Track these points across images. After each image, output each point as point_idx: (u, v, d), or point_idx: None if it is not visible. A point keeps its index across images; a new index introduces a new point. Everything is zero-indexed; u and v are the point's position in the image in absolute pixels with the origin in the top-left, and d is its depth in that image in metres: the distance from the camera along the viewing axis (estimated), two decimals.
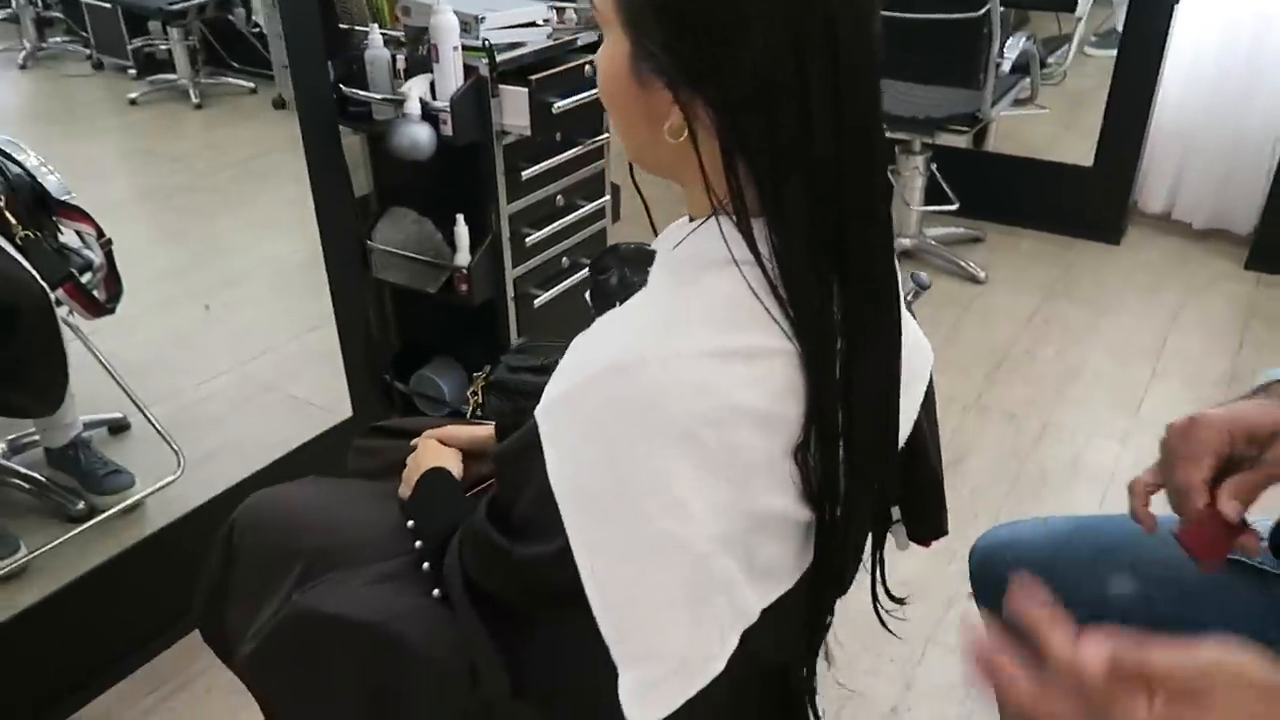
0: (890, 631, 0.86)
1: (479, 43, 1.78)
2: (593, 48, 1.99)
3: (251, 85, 3.02)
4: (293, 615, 0.92)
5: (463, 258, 1.91)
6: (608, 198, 2.17)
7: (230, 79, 3.05)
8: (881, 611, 0.85)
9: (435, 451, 1.07)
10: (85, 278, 1.89)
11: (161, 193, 3.25)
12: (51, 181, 1.90)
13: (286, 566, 1.02)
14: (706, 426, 0.65)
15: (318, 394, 2.29)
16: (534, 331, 2.08)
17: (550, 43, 1.89)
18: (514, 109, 1.78)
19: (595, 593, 0.68)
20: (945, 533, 0.95)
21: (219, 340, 2.45)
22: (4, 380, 1.75)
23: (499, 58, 1.75)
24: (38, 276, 1.77)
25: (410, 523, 0.98)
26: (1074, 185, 3.20)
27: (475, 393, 1.39)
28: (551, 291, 2.06)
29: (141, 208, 3.02)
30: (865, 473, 0.73)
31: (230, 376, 2.35)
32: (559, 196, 2.05)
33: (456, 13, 1.70)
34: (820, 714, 0.85)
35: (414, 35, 1.78)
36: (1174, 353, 2.63)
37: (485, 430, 1.12)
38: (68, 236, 1.92)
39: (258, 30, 2.65)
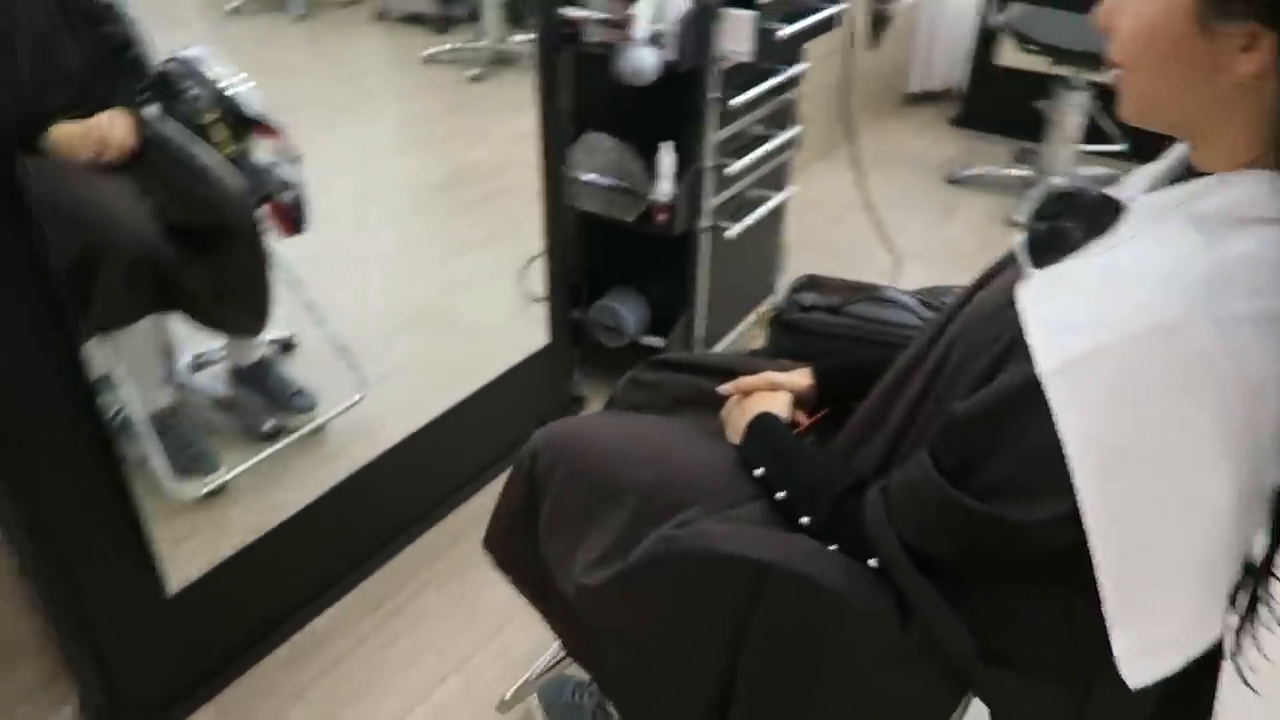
0: None
1: None
2: None
3: None
4: (674, 552, 0.91)
5: (665, 187, 1.87)
6: (800, 128, 2.11)
7: None
8: None
9: (764, 399, 1.06)
10: (285, 195, 1.89)
11: (278, 109, 3.23)
12: (250, 96, 1.87)
13: (614, 500, 1.02)
14: (1248, 396, 0.64)
15: (486, 319, 2.30)
16: (724, 263, 2.05)
17: None
18: (737, 34, 1.72)
19: (1107, 550, 0.67)
20: None
21: (370, 262, 2.44)
22: (219, 298, 1.76)
23: None
24: (246, 195, 1.77)
25: (759, 470, 0.98)
26: None
27: (756, 329, 1.36)
28: (742, 223, 2.02)
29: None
30: None
31: (388, 298, 2.35)
32: (755, 126, 1.99)
33: None
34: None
35: None
36: None
37: (803, 378, 1.10)
38: (262, 152, 1.91)
39: None
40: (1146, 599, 0.69)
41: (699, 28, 1.70)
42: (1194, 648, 0.70)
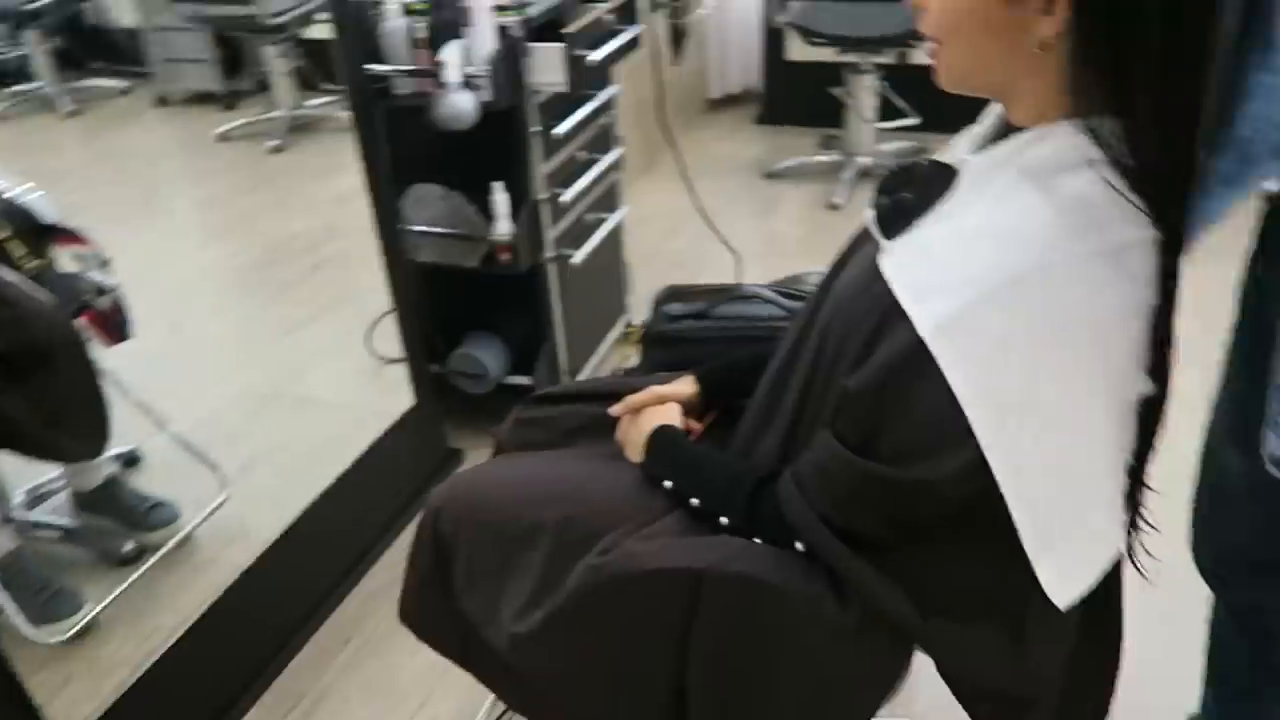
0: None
1: (505, 1, 1.72)
2: None
3: (124, 85, 2.81)
4: (605, 579, 0.91)
5: (503, 227, 1.86)
6: (622, 150, 2.15)
7: (99, 81, 2.82)
8: None
9: (657, 413, 1.07)
10: (101, 302, 1.76)
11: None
12: (42, 204, 1.75)
13: (529, 543, 1.00)
14: (1109, 324, 0.70)
15: (341, 390, 2.21)
16: (574, 291, 2.06)
17: None
18: (548, 66, 1.74)
19: (1014, 489, 0.72)
20: None
21: (205, 356, 2.31)
22: (48, 424, 1.62)
23: (531, 13, 1.71)
24: (59, 310, 1.65)
25: (668, 483, 0.99)
26: None
27: (626, 352, 1.37)
28: (585, 249, 2.04)
29: None
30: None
31: (232, 388, 2.23)
32: (580, 153, 2.02)
33: None
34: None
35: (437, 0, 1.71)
36: None
37: (688, 385, 1.12)
38: (67, 261, 1.78)
39: (111, 27, 2.47)
40: (1057, 525, 0.74)
41: (510, 65, 1.71)
42: (1106, 559, 0.76)
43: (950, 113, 0.90)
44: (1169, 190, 0.71)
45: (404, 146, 1.92)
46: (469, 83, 1.67)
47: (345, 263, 2.46)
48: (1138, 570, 0.86)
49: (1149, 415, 0.79)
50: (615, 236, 2.28)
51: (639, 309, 2.14)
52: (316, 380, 2.24)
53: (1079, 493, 0.74)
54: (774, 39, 3.53)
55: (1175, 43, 0.67)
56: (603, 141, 2.12)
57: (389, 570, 1.82)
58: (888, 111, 3.18)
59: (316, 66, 2.59)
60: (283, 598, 1.67)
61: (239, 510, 1.81)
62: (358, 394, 2.19)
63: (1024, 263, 0.69)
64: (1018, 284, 0.69)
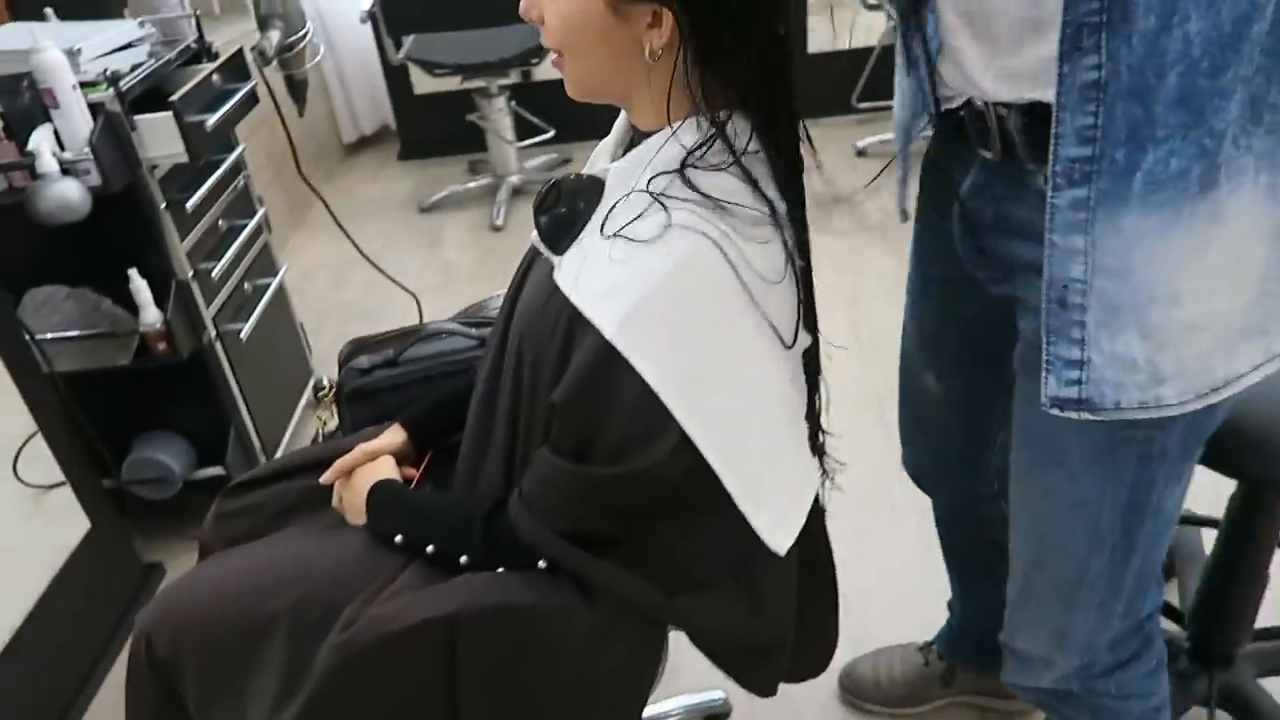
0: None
1: (90, 76, 1.57)
2: (195, 58, 1.84)
3: None
4: (356, 651, 0.87)
5: (152, 315, 1.70)
6: (264, 209, 2.05)
7: None
8: None
9: (370, 470, 1.04)
10: None
11: None
12: None
13: (264, 638, 0.95)
14: (760, 290, 0.78)
15: None
16: (250, 365, 1.93)
17: (155, 62, 1.72)
18: (161, 138, 1.61)
19: (718, 457, 0.79)
20: None
21: None
22: None
23: (123, 86, 1.57)
24: None
25: (398, 537, 0.97)
26: None
27: (322, 414, 1.31)
28: (250, 320, 1.92)
29: None
30: None
31: None
32: (220, 221, 1.89)
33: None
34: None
35: (6, 85, 1.52)
36: None
37: (396, 435, 1.10)
38: None
39: None
40: (762, 480, 0.82)
41: (114, 142, 1.57)
42: (808, 498, 0.86)
43: (582, 121, 0.95)
44: (788, 169, 0.81)
45: (7, 248, 1.70)
46: (69, 169, 1.51)
47: None
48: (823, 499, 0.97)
49: (811, 364, 0.90)
50: (281, 299, 2.17)
51: (326, 367, 2.05)
52: None
53: (773, 446, 0.83)
54: (398, 75, 3.51)
55: (763, 35, 0.77)
56: (242, 205, 2.00)
57: (101, 714, 1.61)
58: (525, 129, 3.29)
59: None
60: None
61: None
62: (17, 533, 1.91)
63: (677, 251, 0.76)
64: (677, 271, 0.76)
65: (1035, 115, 0.76)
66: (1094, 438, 0.85)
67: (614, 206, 0.82)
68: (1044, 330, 0.79)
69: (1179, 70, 0.66)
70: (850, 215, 2.96)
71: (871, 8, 2.99)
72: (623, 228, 0.79)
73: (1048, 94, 0.72)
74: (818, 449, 0.95)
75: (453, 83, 3.13)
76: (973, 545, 1.35)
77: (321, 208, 2.02)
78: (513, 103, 3.19)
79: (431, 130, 3.66)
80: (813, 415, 0.93)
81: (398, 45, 3.07)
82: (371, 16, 2.99)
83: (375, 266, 2.10)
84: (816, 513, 0.99)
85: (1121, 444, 0.85)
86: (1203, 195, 0.70)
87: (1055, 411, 0.81)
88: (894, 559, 1.74)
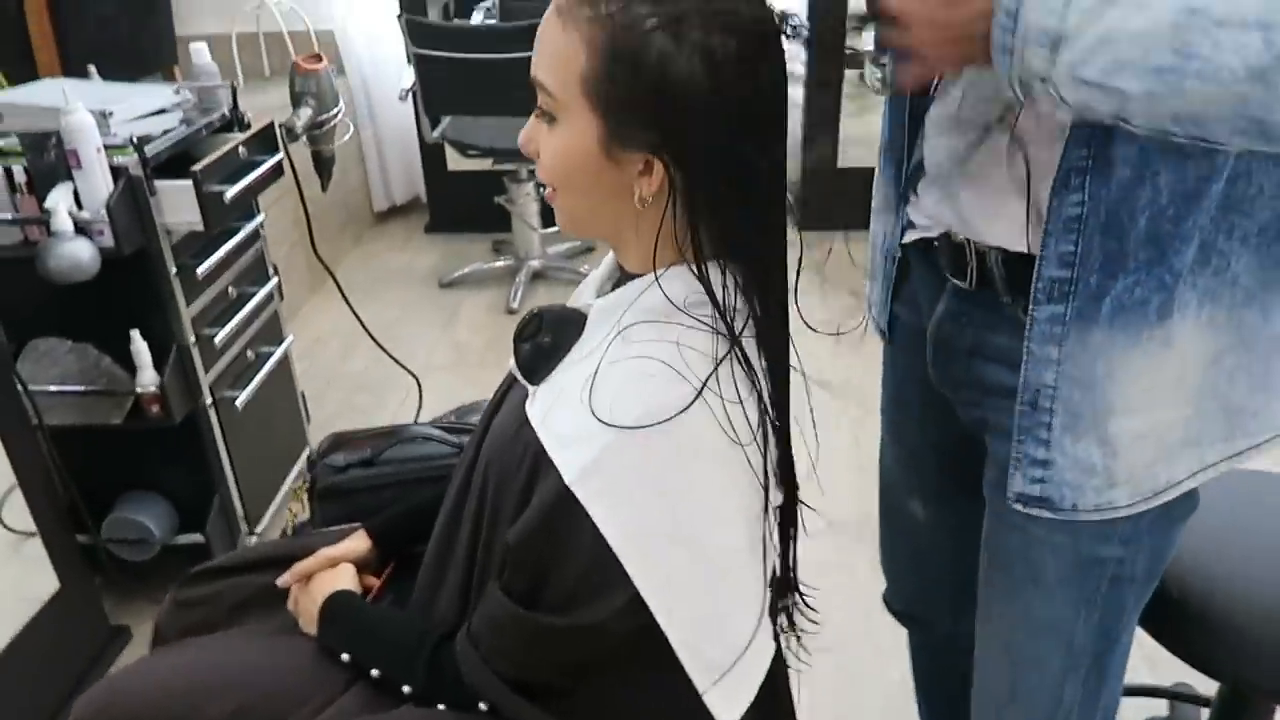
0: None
1: (118, 139, 1.60)
2: (227, 127, 1.87)
3: None
4: None
5: (149, 377, 1.70)
6: (276, 278, 2.05)
7: None
8: None
9: (329, 576, 1.01)
10: None
11: None
12: None
13: None
14: (730, 446, 0.76)
15: None
16: (243, 434, 1.91)
17: (186, 129, 1.75)
18: (179, 205, 1.62)
19: (671, 623, 0.76)
20: None
21: None
22: None
23: (149, 151, 1.59)
24: None
25: (345, 655, 0.93)
26: None
27: (295, 506, 1.28)
28: (249, 388, 1.91)
29: None
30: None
31: None
32: (230, 288, 1.90)
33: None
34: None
35: (34, 142, 1.55)
36: None
37: (360, 541, 1.07)
38: None
39: None
40: (713, 647, 0.78)
41: (132, 207, 1.58)
42: (762, 670, 0.81)
43: None
44: (770, 325, 0.79)
45: (16, 298, 1.71)
46: (84, 229, 1.52)
47: None
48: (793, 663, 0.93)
49: (785, 520, 0.86)
50: (284, 369, 2.16)
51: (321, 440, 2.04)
52: None
53: (729, 613, 0.79)
54: (434, 151, 3.58)
55: (757, 192, 0.76)
56: (256, 272, 2.01)
57: None
58: (551, 215, 3.30)
59: None
60: None
61: None
62: None
63: (650, 401, 0.73)
64: (645, 420, 0.73)
65: (1019, 255, 0.82)
66: (1065, 557, 0.89)
67: (593, 346, 0.80)
68: (1015, 430, 0.84)
69: (1148, 215, 0.74)
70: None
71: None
72: (598, 370, 0.77)
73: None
74: (785, 609, 0.91)
75: (485, 163, 3.17)
76: (956, 685, 1.29)
77: (345, 273, 2.02)
78: (541, 189, 3.22)
79: (460, 206, 3.70)
80: (783, 576, 0.89)
81: (434, 124, 3.12)
82: (411, 94, 3.05)
83: (381, 347, 2.09)
84: (780, 673, 0.94)
85: (1093, 564, 0.89)
86: (1159, 323, 0.78)
87: (1019, 507, 0.86)
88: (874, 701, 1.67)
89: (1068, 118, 0.71)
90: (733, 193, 0.75)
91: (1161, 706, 1.63)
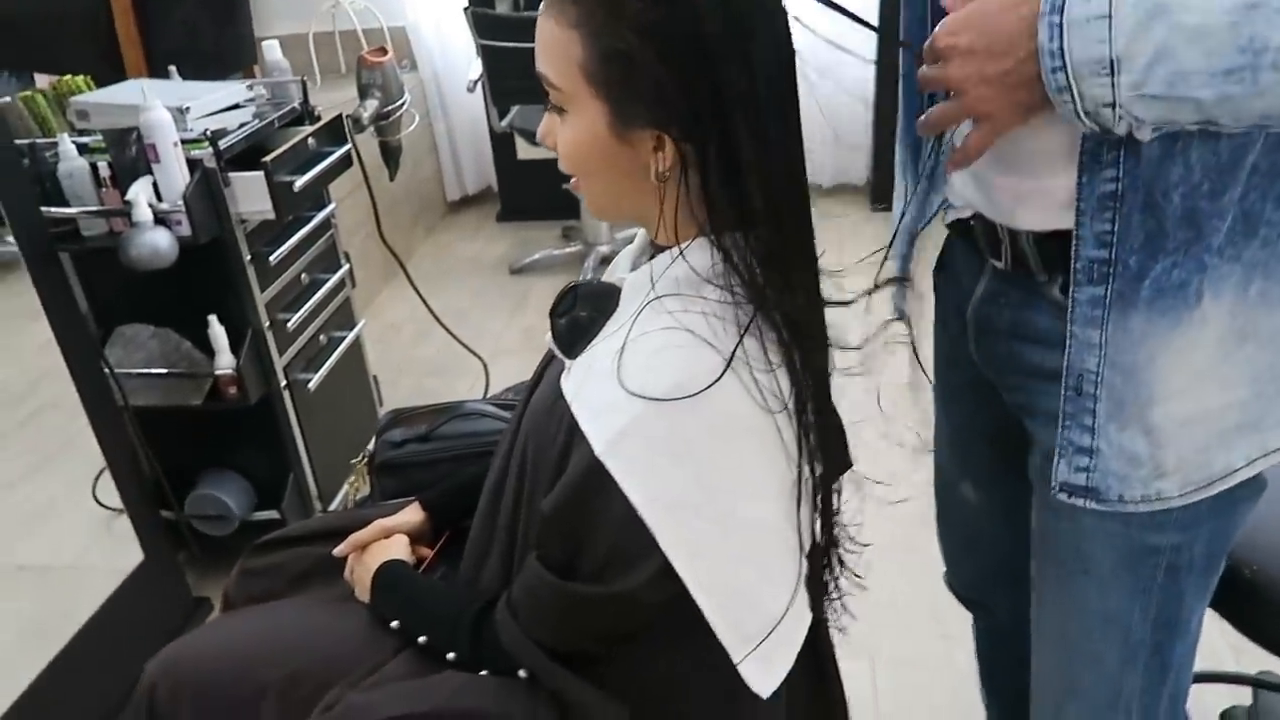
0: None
1: (194, 134, 1.67)
2: (298, 120, 1.94)
3: None
4: None
5: (225, 360, 1.78)
6: (347, 265, 2.12)
7: None
8: None
9: (382, 548, 1.04)
10: None
11: None
12: None
13: (253, 707, 0.95)
14: (765, 419, 0.76)
15: (62, 552, 2.00)
16: (316, 415, 1.99)
17: (259, 123, 1.82)
18: (251, 195, 1.69)
19: (703, 593, 0.76)
20: None
21: None
22: None
23: (223, 144, 1.66)
24: None
25: (394, 622, 0.96)
26: None
27: (356, 481, 1.33)
28: (321, 372, 1.98)
29: None
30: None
31: None
32: (303, 275, 1.97)
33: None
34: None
35: (116, 138, 1.63)
36: None
37: (414, 514, 1.11)
38: None
39: None
40: (748, 617, 0.78)
41: (207, 198, 1.66)
42: (798, 641, 0.82)
43: None
44: (790, 293, 0.79)
45: (104, 287, 1.81)
46: (163, 220, 1.60)
47: (61, 411, 2.25)
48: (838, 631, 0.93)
49: (825, 488, 0.86)
50: (356, 353, 2.23)
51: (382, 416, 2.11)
52: (33, 544, 2.01)
53: (763, 584, 0.80)
54: (504, 141, 3.63)
55: (768, 160, 0.76)
56: (328, 260, 2.08)
57: None
58: None
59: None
60: None
61: None
62: (86, 553, 1.99)
63: (678, 372, 0.74)
64: (676, 389, 0.74)
65: (1051, 234, 0.79)
66: (1117, 546, 0.86)
67: (625, 318, 0.81)
68: (1060, 415, 0.81)
69: (1181, 192, 0.71)
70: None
71: None
72: (627, 342, 0.78)
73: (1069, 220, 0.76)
74: (825, 584, 0.91)
75: (550, 151, 3.20)
76: (1020, 671, 1.27)
77: (418, 262, 2.07)
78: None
79: (530, 195, 3.75)
80: (824, 548, 0.89)
81: (502, 114, 3.17)
82: (480, 85, 3.10)
83: (448, 331, 2.14)
84: (823, 640, 0.94)
85: (1147, 553, 0.86)
86: (1199, 304, 0.75)
87: (1063, 497, 0.83)
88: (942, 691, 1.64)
89: (1150, 135, 0.69)
90: (745, 161, 0.75)
91: (1245, 694, 1.57)
